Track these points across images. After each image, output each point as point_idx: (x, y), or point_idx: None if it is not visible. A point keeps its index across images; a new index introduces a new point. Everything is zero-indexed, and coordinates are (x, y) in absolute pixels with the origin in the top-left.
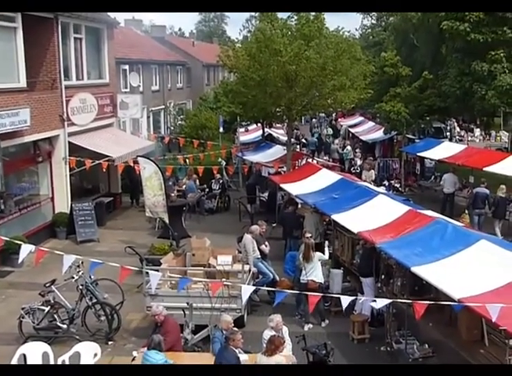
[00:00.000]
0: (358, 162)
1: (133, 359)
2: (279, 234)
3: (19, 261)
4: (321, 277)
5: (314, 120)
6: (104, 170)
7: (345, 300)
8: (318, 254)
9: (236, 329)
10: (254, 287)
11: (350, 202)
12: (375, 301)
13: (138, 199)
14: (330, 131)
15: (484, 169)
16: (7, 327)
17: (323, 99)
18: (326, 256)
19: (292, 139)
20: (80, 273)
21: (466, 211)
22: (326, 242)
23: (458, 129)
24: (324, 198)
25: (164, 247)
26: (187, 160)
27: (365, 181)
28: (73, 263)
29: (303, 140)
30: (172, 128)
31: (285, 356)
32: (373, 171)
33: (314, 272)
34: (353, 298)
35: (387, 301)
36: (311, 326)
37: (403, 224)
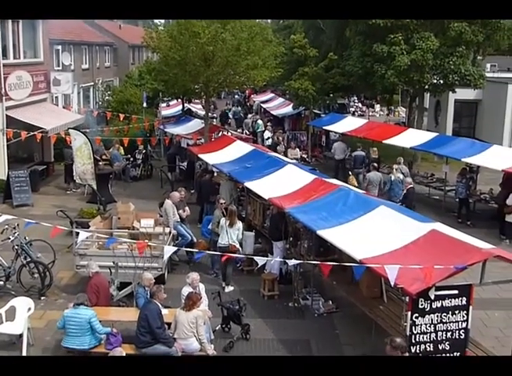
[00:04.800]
0: (269, 134)
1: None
2: None
3: None
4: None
5: (237, 96)
6: (38, 141)
7: (259, 261)
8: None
9: (161, 286)
10: (175, 248)
11: (261, 171)
12: (285, 261)
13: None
14: (238, 109)
15: (384, 141)
16: None
17: (238, 76)
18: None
19: (215, 114)
20: (16, 235)
21: (350, 173)
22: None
23: (360, 105)
24: (238, 167)
25: (92, 211)
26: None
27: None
28: (9, 225)
29: (229, 114)
30: (100, 103)
31: (202, 311)
32: (297, 149)
33: (235, 237)
34: (266, 259)
35: (296, 261)
36: (224, 284)
37: (310, 191)
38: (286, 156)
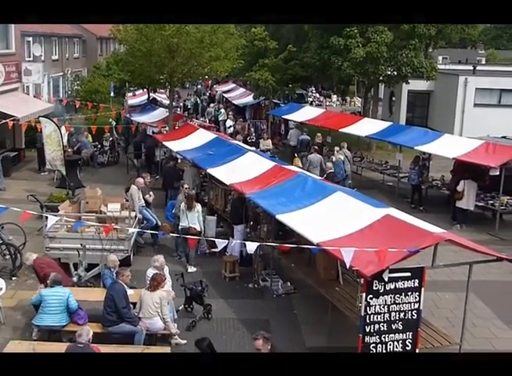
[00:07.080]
0: (231, 123)
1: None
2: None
3: None
4: (200, 224)
5: (199, 86)
6: (10, 128)
7: (220, 243)
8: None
9: (125, 267)
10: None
11: (223, 158)
12: (245, 244)
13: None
14: (206, 97)
15: (340, 130)
16: None
17: (201, 68)
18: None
19: (181, 103)
20: None
21: (296, 155)
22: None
23: (317, 95)
24: (201, 154)
25: (61, 196)
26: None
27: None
28: None
29: (186, 103)
30: (69, 92)
31: (166, 291)
32: (269, 140)
33: (194, 219)
34: (227, 241)
35: (256, 244)
36: (187, 265)
37: (269, 177)
38: (257, 147)
